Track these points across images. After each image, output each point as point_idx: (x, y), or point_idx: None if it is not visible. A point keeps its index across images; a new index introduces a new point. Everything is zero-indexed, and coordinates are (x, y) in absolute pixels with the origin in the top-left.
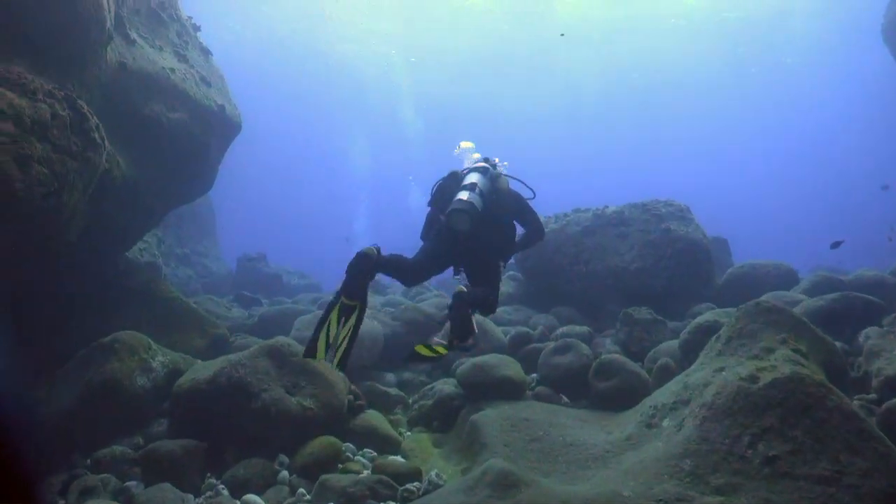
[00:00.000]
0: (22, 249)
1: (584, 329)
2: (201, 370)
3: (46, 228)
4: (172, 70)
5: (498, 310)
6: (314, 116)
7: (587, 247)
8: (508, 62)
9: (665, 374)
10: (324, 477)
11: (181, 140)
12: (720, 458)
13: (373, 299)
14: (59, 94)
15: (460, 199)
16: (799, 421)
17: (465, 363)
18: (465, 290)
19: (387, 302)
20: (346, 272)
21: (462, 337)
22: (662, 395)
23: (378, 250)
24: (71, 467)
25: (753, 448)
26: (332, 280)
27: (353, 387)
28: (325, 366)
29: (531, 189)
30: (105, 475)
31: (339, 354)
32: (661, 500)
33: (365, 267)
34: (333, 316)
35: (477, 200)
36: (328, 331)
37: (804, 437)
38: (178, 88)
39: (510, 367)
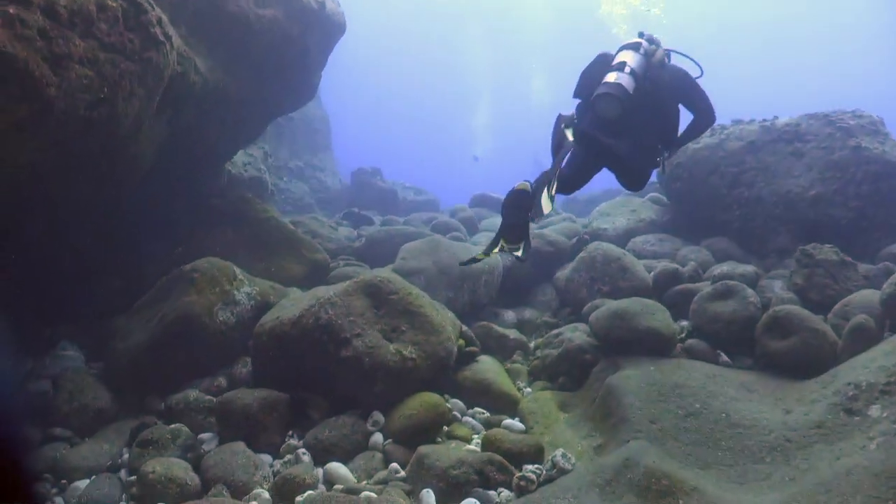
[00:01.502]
0: (81, 170)
1: (750, 269)
2: (288, 308)
3: (101, 144)
4: None
5: (638, 238)
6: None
7: (750, 166)
8: None
9: (862, 338)
10: (423, 451)
11: (274, 41)
12: None
13: (490, 220)
14: None
15: (607, 82)
16: None
17: (601, 308)
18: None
19: None
20: (503, 212)
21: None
22: (865, 368)
23: (530, 184)
24: (143, 412)
25: None
26: (451, 195)
27: (464, 329)
28: (433, 307)
29: (698, 65)
30: (176, 425)
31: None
32: None
33: (523, 203)
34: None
35: (627, 81)
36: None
37: None
38: None
39: (656, 315)
